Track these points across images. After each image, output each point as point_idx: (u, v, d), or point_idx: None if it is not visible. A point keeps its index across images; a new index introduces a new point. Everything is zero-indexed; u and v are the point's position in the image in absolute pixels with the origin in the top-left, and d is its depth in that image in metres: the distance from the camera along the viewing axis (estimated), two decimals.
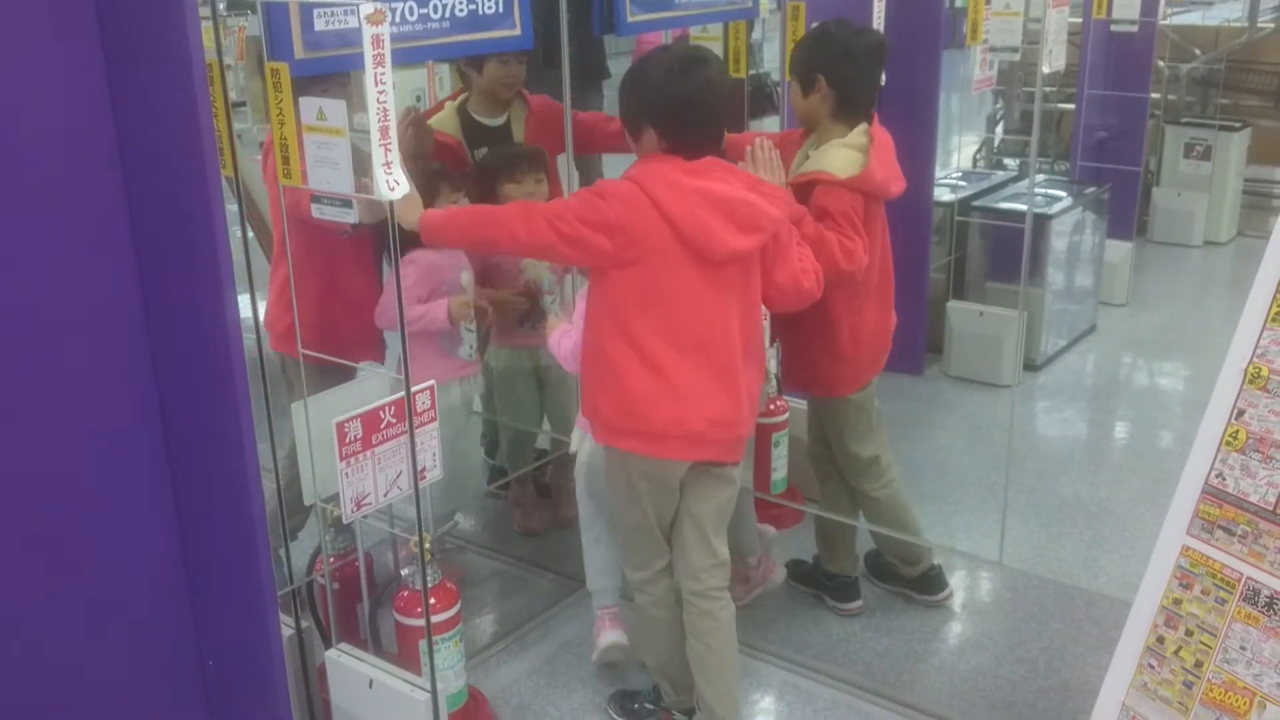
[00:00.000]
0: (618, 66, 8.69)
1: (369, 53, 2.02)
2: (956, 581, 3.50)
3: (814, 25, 3.07)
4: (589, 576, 3.11)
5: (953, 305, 5.05)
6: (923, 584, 3.40)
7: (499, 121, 3.51)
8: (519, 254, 3.01)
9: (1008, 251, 4.86)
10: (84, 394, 2.35)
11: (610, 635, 3.09)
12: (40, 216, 2.22)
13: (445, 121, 3.50)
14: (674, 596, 2.74)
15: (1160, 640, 2.12)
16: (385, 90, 2.07)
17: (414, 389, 2.51)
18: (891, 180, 2.95)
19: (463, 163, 3.45)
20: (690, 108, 2.45)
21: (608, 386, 2.54)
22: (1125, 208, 5.83)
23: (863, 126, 2.93)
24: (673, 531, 2.71)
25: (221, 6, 2.54)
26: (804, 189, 2.89)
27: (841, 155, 2.89)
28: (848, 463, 3.25)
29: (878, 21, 3.38)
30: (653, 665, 2.87)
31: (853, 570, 3.41)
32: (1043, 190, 5.42)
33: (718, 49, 3.62)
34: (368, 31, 2.02)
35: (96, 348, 2.36)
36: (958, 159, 6.50)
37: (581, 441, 2.96)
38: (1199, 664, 2.06)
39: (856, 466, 3.23)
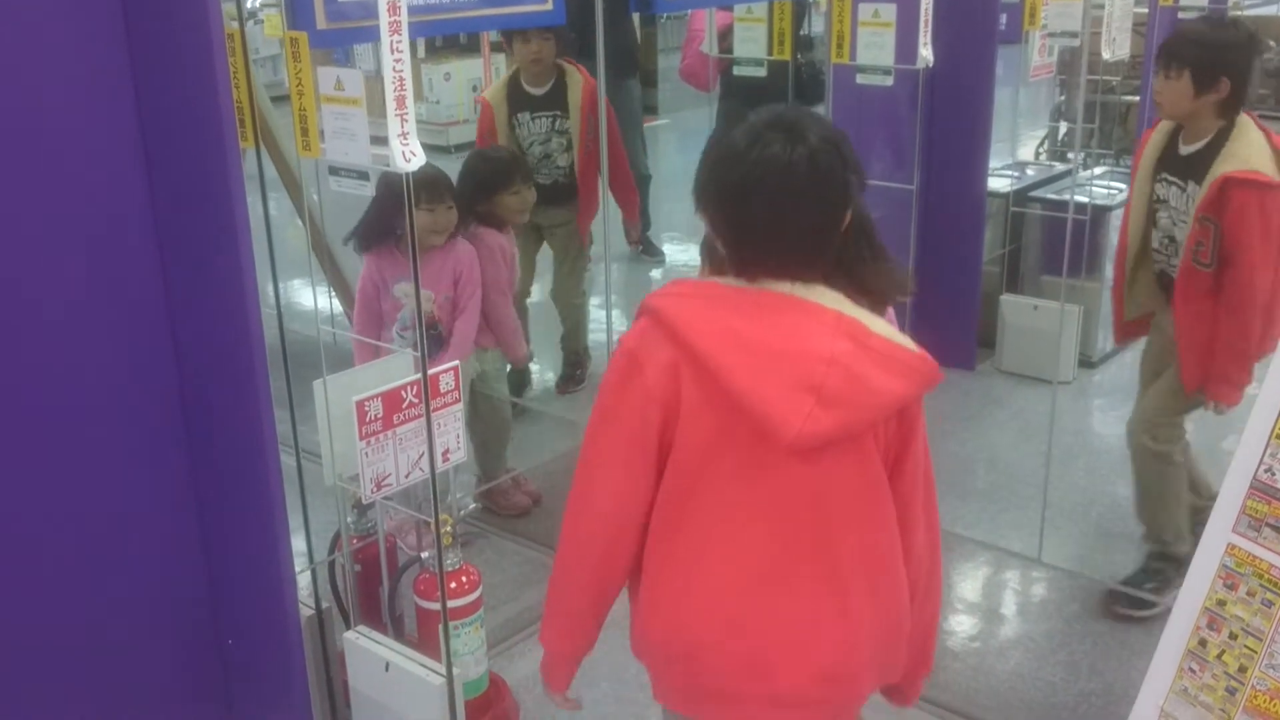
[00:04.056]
0: (668, 61, 8.60)
1: (384, 20, 1.98)
2: (999, 580, 3.39)
3: (1193, 20, 3.04)
4: None
5: (1006, 299, 4.91)
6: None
7: (543, 89, 4.14)
8: (622, 510, 1.74)
9: (1063, 244, 4.73)
10: (103, 371, 2.34)
11: None
12: (60, 191, 2.21)
13: (494, 90, 4.29)
14: None
15: (1202, 643, 2.01)
16: (401, 58, 2.02)
17: (437, 369, 2.47)
18: None
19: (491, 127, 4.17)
20: (739, 198, 1.62)
21: (657, 622, 1.76)
22: None
23: (1246, 120, 2.88)
24: None
25: None
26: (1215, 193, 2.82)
27: (1257, 150, 2.82)
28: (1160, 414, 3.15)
29: (925, 11, 3.28)
30: None
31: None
32: (1104, 183, 5.26)
33: (761, 31, 3.55)
34: None
35: (115, 323, 2.35)
36: (1021, 150, 6.34)
37: None
38: (1243, 669, 1.94)
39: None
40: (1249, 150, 2.83)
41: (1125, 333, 3.28)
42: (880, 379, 1.61)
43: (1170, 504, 3.17)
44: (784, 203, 1.59)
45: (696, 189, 1.68)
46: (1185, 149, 2.97)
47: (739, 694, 1.71)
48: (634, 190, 4.62)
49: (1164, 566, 3.22)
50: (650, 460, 1.68)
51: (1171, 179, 3.02)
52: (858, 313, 1.63)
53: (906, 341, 1.66)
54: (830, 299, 1.63)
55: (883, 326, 1.65)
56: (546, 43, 3.97)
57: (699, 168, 1.67)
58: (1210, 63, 2.82)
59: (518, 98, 4.18)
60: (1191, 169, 2.94)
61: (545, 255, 4.63)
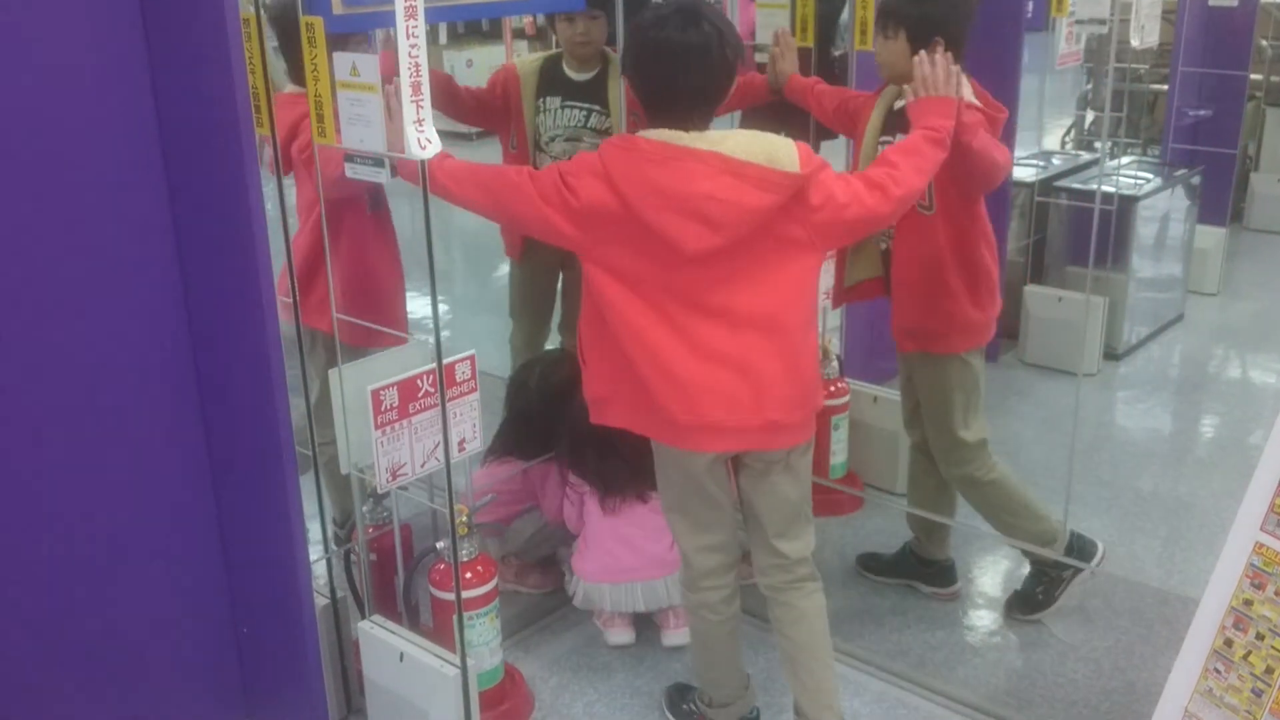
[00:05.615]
0: None
1: (400, 4, 1.95)
2: (1021, 575, 3.35)
3: None
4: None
5: (1030, 290, 4.86)
6: (1076, 553, 3.13)
7: (585, 76, 3.49)
8: (505, 215, 2.51)
9: (1089, 234, 4.68)
10: (120, 361, 2.34)
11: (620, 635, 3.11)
12: (77, 179, 2.20)
13: (528, 61, 3.59)
14: (722, 605, 2.56)
15: (1228, 643, 1.97)
16: (417, 44, 2.00)
17: (452, 359, 2.45)
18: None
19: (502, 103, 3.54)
20: (648, 65, 2.23)
21: (618, 377, 2.35)
22: (1219, 192, 5.56)
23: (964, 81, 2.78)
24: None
25: None
26: None
27: (969, 96, 2.74)
28: (954, 450, 3.01)
29: None
30: (695, 669, 2.76)
31: (950, 554, 3.29)
32: (1131, 172, 5.19)
33: (783, 17, 3.50)
34: None
35: (133, 312, 2.34)
36: (1047, 139, 6.26)
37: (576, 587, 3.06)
38: (1269, 671, 1.90)
39: (963, 453, 3.01)
40: (965, 94, 2.74)
41: (842, 298, 3.19)
42: (754, 197, 2.17)
43: (1020, 516, 3.08)
44: (677, 70, 2.20)
45: (622, 60, 2.33)
46: (899, 104, 2.84)
47: (683, 422, 2.30)
48: None
49: (1043, 569, 3.15)
50: (523, 217, 2.32)
51: (887, 138, 2.91)
52: (737, 150, 2.18)
53: (786, 156, 2.19)
54: (711, 142, 2.19)
55: (763, 153, 2.18)
56: (595, 22, 3.37)
57: (624, 43, 2.32)
58: (925, 22, 2.74)
59: (552, 78, 3.50)
60: (905, 122, 2.77)
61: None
